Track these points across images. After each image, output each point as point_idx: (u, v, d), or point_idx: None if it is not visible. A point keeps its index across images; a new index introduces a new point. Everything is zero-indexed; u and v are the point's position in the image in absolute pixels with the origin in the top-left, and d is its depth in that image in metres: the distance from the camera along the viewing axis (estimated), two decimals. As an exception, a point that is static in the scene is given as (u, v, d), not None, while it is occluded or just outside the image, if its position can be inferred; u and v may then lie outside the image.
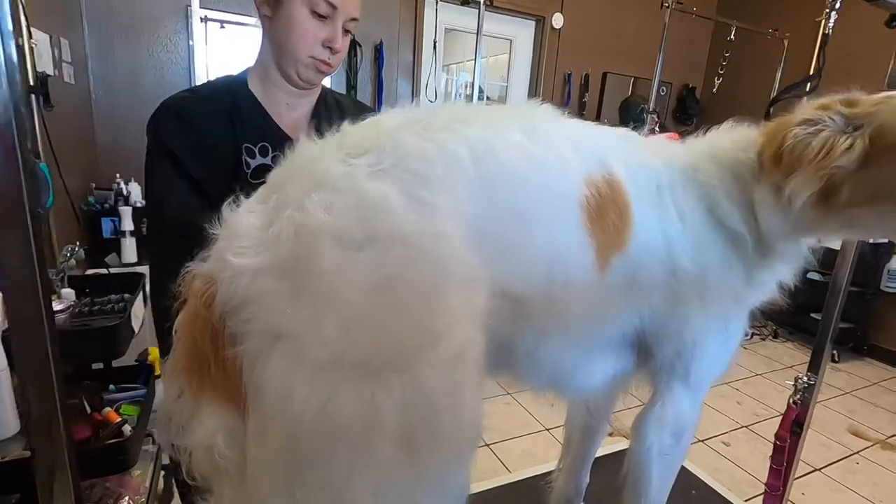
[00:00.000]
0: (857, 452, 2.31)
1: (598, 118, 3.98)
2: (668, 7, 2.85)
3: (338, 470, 0.40)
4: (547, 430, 2.28)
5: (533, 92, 3.78)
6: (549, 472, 1.08)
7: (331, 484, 0.40)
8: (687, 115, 4.28)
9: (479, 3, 2.34)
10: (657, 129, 3.13)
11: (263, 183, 0.73)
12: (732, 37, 3.32)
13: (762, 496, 1.12)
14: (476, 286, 0.47)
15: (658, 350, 0.71)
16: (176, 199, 0.81)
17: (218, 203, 0.51)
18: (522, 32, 3.68)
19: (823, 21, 0.86)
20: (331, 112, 0.96)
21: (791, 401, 1.05)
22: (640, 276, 0.65)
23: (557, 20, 3.64)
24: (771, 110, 0.72)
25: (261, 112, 0.88)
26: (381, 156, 0.47)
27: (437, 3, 3.10)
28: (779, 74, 3.48)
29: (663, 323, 0.69)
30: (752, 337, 3.53)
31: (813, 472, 2.13)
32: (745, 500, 1.14)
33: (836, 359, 3.28)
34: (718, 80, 3.59)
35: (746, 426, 2.44)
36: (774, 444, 1.08)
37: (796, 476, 2.07)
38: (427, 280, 0.44)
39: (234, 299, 0.41)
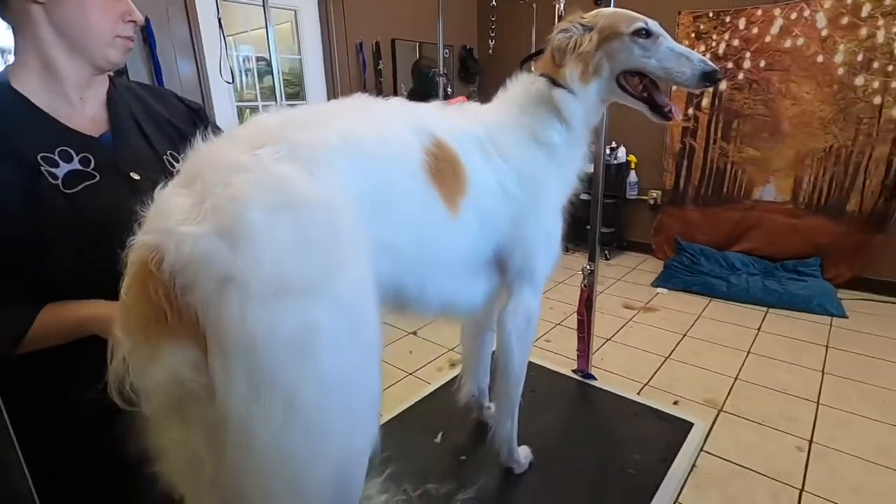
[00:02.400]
0: (631, 320, 3.12)
1: (395, 83, 4.20)
2: (437, -23, 3.13)
3: (291, 372, 0.52)
4: (410, 374, 2.54)
5: (328, 63, 3.79)
6: (455, 378, 1.30)
7: (287, 385, 0.52)
8: (470, 74, 4.79)
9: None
10: (449, 90, 3.49)
11: (86, 192, 0.74)
12: (494, 2, 3.82)
13: (577, 361, 1.52)
14: (360, 236, 0.62)
15: (510, 262, 0.94)
16: None
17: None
18: (306, 2, 3.62)
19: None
20: (125, 98, 0.89)
21: (582, 285, 1.44)
22: (484, 210, 0.87)
23: (338, -11, 3.66)
24: (523, 65, 1.00)
25: (41, 116, 0.76)
26: (277, 147, 0.60)
27: (205, -28, 2.85)
28: (533, 35, 4.14)
29: (511, 241, 0.92)
30: (551, 255, 4.31)
31: (605, 342, 2.83)
32: (570, 370, 1.51)
33: (608, 256, 4.24)
34: (491, 41, 4.12)
35: (559, 323, 3.06)
36: (578, 319, 1.47)
37: (594, 349, 2.71)
38: (328, 228, 0.58)
39: (181, 259, 0.50)
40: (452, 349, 2.72)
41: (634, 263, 4.15)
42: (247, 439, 0.52)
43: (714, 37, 3.62)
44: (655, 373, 2.50)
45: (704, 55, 3.59)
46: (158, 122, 0.92)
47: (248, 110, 3.60)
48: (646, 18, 0.91)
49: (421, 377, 2.49)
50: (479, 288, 0.96)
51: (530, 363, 1.52)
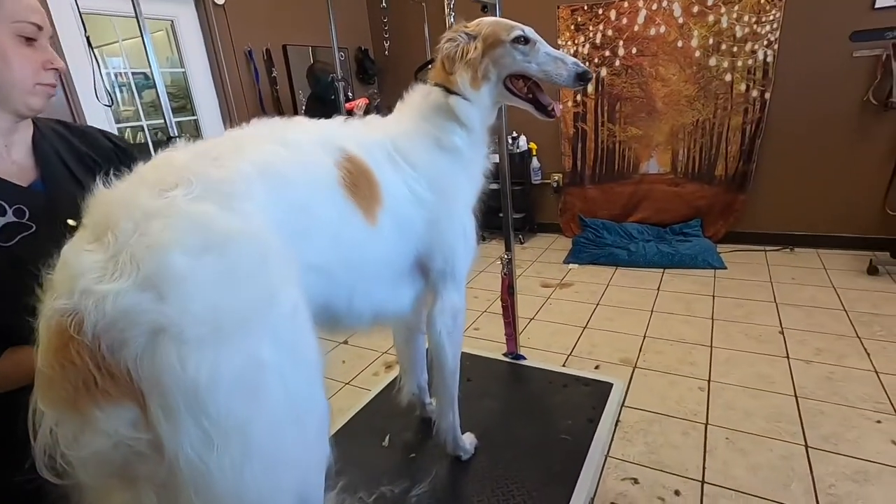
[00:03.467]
0: (549, 297, 3.34)
1: (291, 90, 4.08)
2: (323, -19, 3.08)
3: (241, 410, 0.53)
4: (347, 383, 2.53)
5: (216, 74, 3.59)
6: (393, 380, 1.33)
7: (238, 424, 0.53)
8: (368, 75, 4.77)
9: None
10: (349, 94, 3.47)
11: (24, 243, 0.70)
12: (384, 4, 3.84)
13: (506, 344, 1.63)
14: (288, 262, 0.64)
15: (432, 264, 1.00)
16: None
17: None
18: (184, 12, 3.39)
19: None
20: (51, 140, 0.88)
21: (502, 273, 1.54)
22: (401, 217, 0.91)
23: (218, -4, 3.48)
24: (417, 75, 1.06)
25: None
26: (190, 187, 0.59)
27: (61, -16, 2.57)
28: (427, 33, 4.21)
29: (430, 243, 0.97)
30: (470, 245, 4.46)
31: (530, 321, 3.01)
32: (501, 354, 1.61)
33: (522, 240, 4.47)
34: (386, 42, 4.13)
35: (486, 311, 3.20)
36: (502, 306, 1.58)
37: (521, 329, 2.87)
38: (256, 260, 0.59)
39: (105, 318, 0.49)
40: (386, 352, 2.75)
41: (546, 244, 4.42)
42: (205, 487, 0.52)
43: (591, 28, 3.93)
44: (576, 343, 2.72)
45: (584, 44, 3.87)
46: (86, 163, 0.90)
47: (128, 130, 3.31)
48: (523, 26, 1.00)
49: (359, 385, 2.49)
50: (405, 293, 1.01)
51: (464, 353, 1.60)
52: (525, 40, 1.00)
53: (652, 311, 3.00)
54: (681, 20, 3.63)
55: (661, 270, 3.58)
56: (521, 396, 1.44)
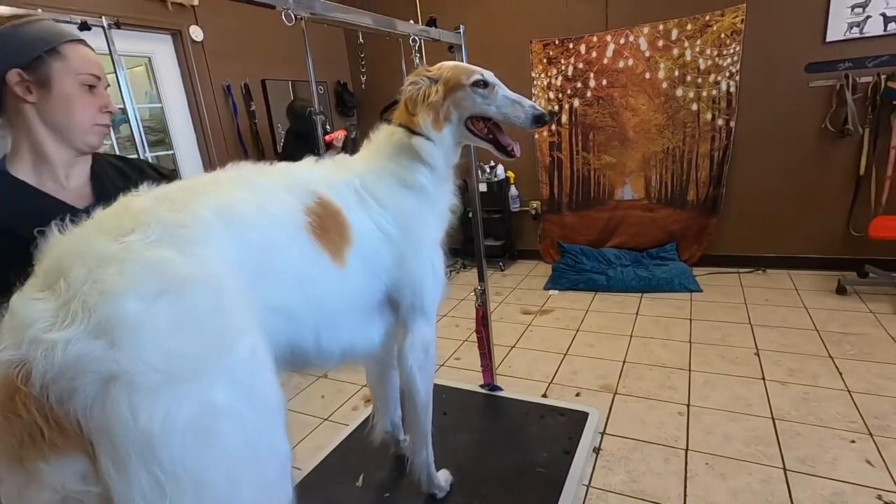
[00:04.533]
0: (530, 324, 3.34)
1: (270, 124, 4.11)
2: (301, 18, 3.15)
3: (194, 457, 0.52)
4: (326, 419, 2.47)
5: (193, 109, 3.61)
6: (367, 418, 1.30)
7: (193, 472, 0.51)
8: (347, 107, 4.84)
9: (104, 25, 2.12)
10: (328, 127, 3.51)
11: None
12: (362, 40, 3.94)
13: (482, 375, 1.62)
14: (247, 305, 0.64)
15: (402, 299, 1.00)
16: None
17: None
18: (161, 48, 3.42)
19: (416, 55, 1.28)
20: (106, 170, 1.01)
21: (476, 304, 1.55)
22: (370, 255, 0.92)
23: (196, 33, 3.52)
24: (382, 115, 1.10)
25: (35, 194, 0.89)
26: (148, 231, 0.59)
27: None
28: (403, 66, 4.32)
29: (399, 280, 0.98)
30: (449, 274, 4.48)
31: (510, 349, 3.00)
32: (479, 385, 1.60)
33: (503, 267, 4.50)
34: (363, 76, 4.22)
35: (466, 340, 3.19)
36: (477, 337, 1.58)
37: (502, 358, 2.86)
38: (212, 304, 0.59)
39: (54, 367, 0.48)
40: (365, 385, 2.70)
41: (527, 270, 4.45)
42: None
43: (563, 61, 4.07)
44: (557, 370, 2.71)
45: (557, 77, 4.00)
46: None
47: (106, 165, 3.28)
48: (483, 71, 1.05)
49: (338, 420, 2.44)
50: (375, 329, 1.01)
51: (440, 386, 1.60)
52: (484, 84, 1.04)
53: (631, 335, 3.02)
54: (647, 53, 3.79)
55: (640, 295, 3.62)
56: (497, 429, 1.43)
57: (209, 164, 3.69)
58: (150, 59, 3.40)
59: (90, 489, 0.50)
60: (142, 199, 0.68)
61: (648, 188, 4.07)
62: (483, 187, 4.36)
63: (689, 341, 2.87)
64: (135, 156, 3.17)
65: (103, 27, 2.12)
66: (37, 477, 0.48)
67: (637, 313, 3.33)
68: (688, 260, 3.98)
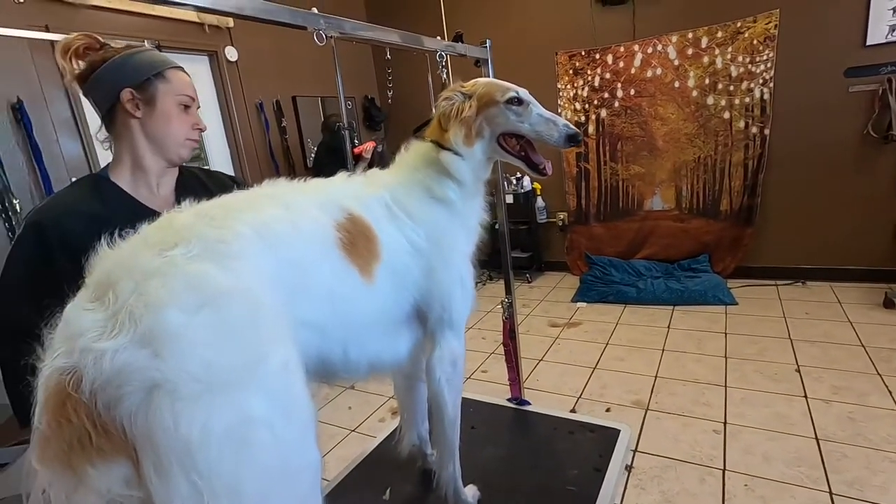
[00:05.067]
0: (557, 337, 3.30)
1: (301, 139, 4.22)
2: (331, 38, 3.24)
3: (231, 466, 0.53)
4: (353, 430, 2.48)
5: (228, 126, 3.74)
6: (395, 430, 1.30)
7: (228, 480, 0.53)
8: (375, 122, 4.93)
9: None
10: (356, 142, 3.58)
11: None
12: (389, 56, 4.02)
13: (510, 389, 1.60)
14: (281, 319, 0.65)
15: (430, 312, 1.01)
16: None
17: None
18: (199, 68, 3.57)
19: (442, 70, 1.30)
20: (189, 181, 1.15)
21: (503, 317, 1.53)
22: (399, 269, 0.93)
23: (231, 53, 3.67)
24: (416, 132, 1.11)
25: (131, 202, 1.03)
26: (189, 246, 0.62)
27: (84, 48, 2.73)
28: (430, 80, 4.37)
29: (428, 293, 0.99)
30: (476, 286, 4.45)
31: (538, 363, 2.96)
32: (506, 399, 1.59)
33: (529, 279, 4.46)
34: (390, 91, 4.30)
35: (493, 353, 3.16)
36: (504, 350, 1.56)
37: (529, 371, 2.82)
38: (248, 318, 0.61)
39: (102, 375, 0.50)
40: (392, 397, 2.70)
41: (554, 282, 4.40)
42: None
43: (589, 72, 4.05)
44: (586, 384, 2.66)
45: (583, 87, 3.98)
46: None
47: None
48: (518, 88, 1.05)
49: (365, 432, 2.45)
50: (403, 342, 1.01)
51: (467, 400, 1.59)
52: (519, 101, 1.04)
53: (663, 349, 2.94)
54: (676, 62, 3.73)
55: (671, 307, 3.53)
56: (525, 444, 1.41)
57: (242, 176, 3.80)
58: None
59: (133, 494, 0.52)
60: (184, 214, 0.71)
61: (679, 198, 3.98)
62: (510, 199, 4.35)
63: (725, 356, 2.77)
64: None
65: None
66: (84, 481, 0.50)
67: (669, 326, 3.24)
68: (721, 272, 3.86)
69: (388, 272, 0.91)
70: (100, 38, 1.01)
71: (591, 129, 4.15)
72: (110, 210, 0.95)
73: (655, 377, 2.64)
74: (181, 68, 1.08)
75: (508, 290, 1.54)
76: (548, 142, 1.03)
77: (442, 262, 1.00)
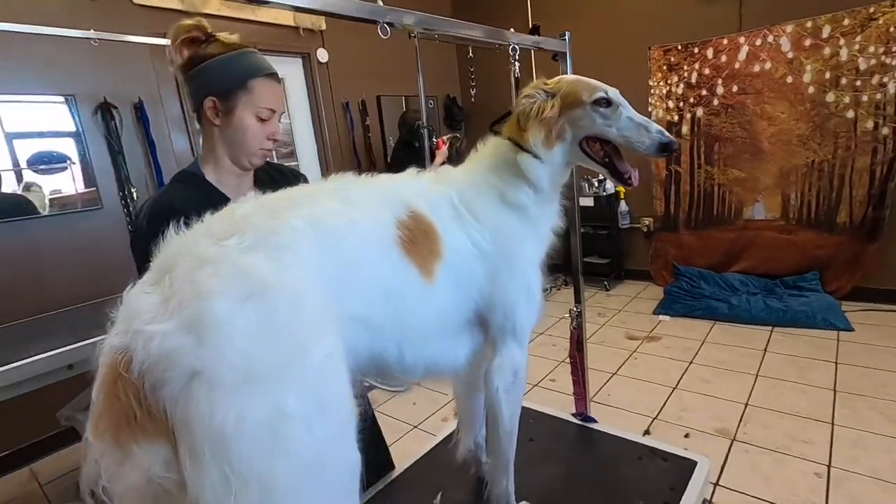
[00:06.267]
0: (635, 351, 3.09)
1: (383, 137, 4.34)
2: (415, 36, 3.29)
3: (263, 459, 0.53)
4: (415, 427, 2.50)
5: (316, 124, 3.93)
6: (452, 432, 1.28)
7: (259, 473, 0.53)
8: (455, 121, 4.94)
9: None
10: (434, 140, 3.60)
11: None
12: (472, 54, 4.00)
13: (574, 404, 1.51)
14: (327, 313, 0.64)
15: (492, 319, 0.96)
16: None
17: None
18: (292, 70, 3.80)
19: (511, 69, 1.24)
20: (265, 178, 1.21)
21: (571, 328, 1.45)
22: (461, 271, 0.89)
23: (322, 55, 3.85)
24: (493, 127, 1.05)
25: (217, 192, 1.11)
26: (243, 237, 0.63)
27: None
28: (512, 79, 4.29)
29: (490, 298, 0.94)
30: (549, 290, 4.32)
31: (611, 376, 2.79)
32: (570, 413, 1.50)
33: (608, 287, 4.23)
34: (473, 90, 4.29)
35: (564, 361, 3.03)
36: (570, 362, 1.47)
37: (601, 385, 2.67)
38: (291, 311, 0.60)
39: (150, 357, 0.52)
40: (457, 397, 2.69)
41: (635, 292, 4.14)
42: None
43: (685, 67, 3.75)
44: (664, 405, 2.46)
45: (678, 84, 3.70)
46: None
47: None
48: (607, 87, 0.96)
49: (426, 429, 2.45)
50: (461, 347, 0.97)
51: (528, 410, 1.52)
52: (607, 103, 0.96)
53: (757, 374, 2.64)
54: (790, 55, 3.34)
55: (769, 328, 3.17)
56: (587, 465, 1.31)
57: (326, 173, 3.99)
58: (283, 80, 3.77)
59: (171, 476, 0.53)
60: (245, 206, 0.72)
61: (786, 207, 3.56)
62: (589, 202, 4.17)
63: (833, 389, 2.43)
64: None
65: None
66: (130, 457, 0.53)
67: (765, 349, 2.91)
68: (835, 292, 3.39)
69: (449, 273, 0.87)
70: (207, 29, 1.07)
71: (684, 129, 3.85)
72: (196, 202, 1.02)
73: (746, 405, 2.38)
74: (272, 75, 1.10)
75: (578, 299, 1.45)
76: (637, 149, 0.94)
77: (507, 268, 0.95)
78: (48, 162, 2.64)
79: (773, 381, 2.56)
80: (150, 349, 0.52)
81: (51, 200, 2.65)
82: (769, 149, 3.55)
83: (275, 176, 1.25)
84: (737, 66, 3.54)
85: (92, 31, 2.04)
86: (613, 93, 0.96)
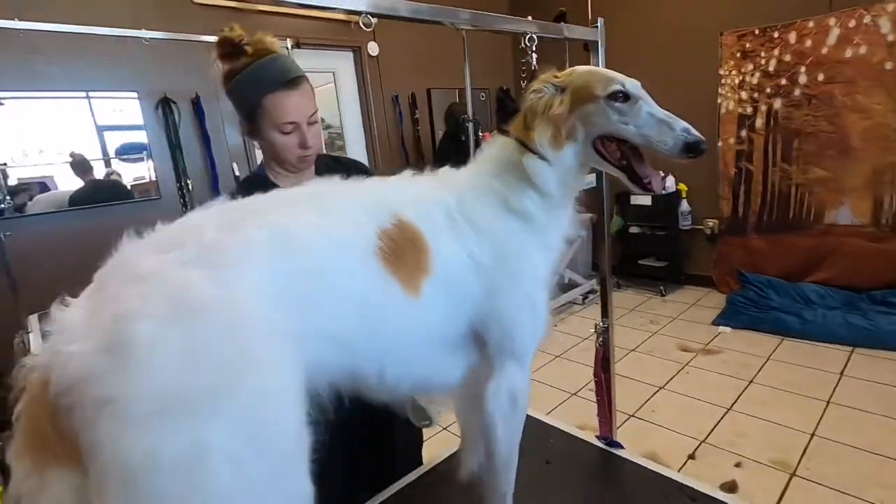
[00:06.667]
0: (687, 364, 2.85)
1: (432, 130, 4.29)
2: (462, 30, 3.20)
3: (176, 497, 0.49)
4: (444, 429, 2.44)
5: (365, 117, 3.95)
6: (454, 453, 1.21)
7: None
8: (507, 113, 4.79)
9: (287, 46, 2.42)
10: (480, 134, 3.51)
11: None
12: (523, 45, 3.84)
13: (598, 426, 1.38)
14: (277, 334, 0.59)
15: (489, 336, 0.88)
16: None
17: None
18: (343, 63, 3.83)
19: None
20: (325, 169, 1.18)
21: (596, 344, 1.32)
22: (453, 285, 0.82)
23: (373, 48, 3.85)
24: (500, 126, 0.95)
25: None
26: (185, 250, 0.58)
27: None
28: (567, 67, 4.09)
29: (487, 314, 0.86)
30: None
31: (658, 390, 2.59)
32: (595, 436, 1.38)
33: (664, 292, 3.96)
34: (524, 81, 4.13)
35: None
36: (595, 381, 1.35)
37: (646, 399, 2.49)
38: (227, 334, 0.55)
39: (65, 380, 0.49)
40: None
41: (694, 299, 3.84)
42: None
43: (762, 54, 3.39)
44: (715, 427, 2.24)
45: (752, 73, 3.36)
46: None
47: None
48: (624, 79, 0.84)
49: (455, 431, 2.39)
50: (455, 365, 0.90)
51: (549, 427, 1.41)
52: (624, 97, 0.84)
53: (829, 401, 2.35)
54: (890, 37, 2.91)
55: (849, 349, 2.81)
56: (606, 497, 1.20)
57: (374, 166, 4.01)
58: (333, 73, 3.82)
59: None
60: (203, 213, 0.68)
61: (878, 212, 3.14)
62: (646, 200, 3.90)
63: (924, 425, 2.11)
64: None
65: (287, 48, 2.42)
66: (45, 482, 0.50)
67: (842, 373, 2.58)
68: (935, 311, 2.95)
69: (439, 287, 0.80)
70: (235, 40, 1.06)
71: (758, 122, 3.49)
72: None
73: (812, 435, 2.11)
74: (288, 84, 1.07)
75: (605, 313, 1.32)
76: (659, 150, 0.81)
77: (508, 283, 0.86)
78: (129, 152, 2.88)
79: (849, 411, 2.26)
80: (67, 371, 0.49)
81: (132, 187, 2.90)
82: (860, 145, 3.13)
83: (334, 167, 1.22)
84: (824, 51, 3.15)
85: (143, 30, 2.13)
86: (632, 85, 0.84)
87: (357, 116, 3.97)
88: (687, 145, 0.79)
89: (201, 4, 3.01)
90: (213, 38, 2.39)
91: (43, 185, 2.63)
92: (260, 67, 1.06)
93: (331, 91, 3.86)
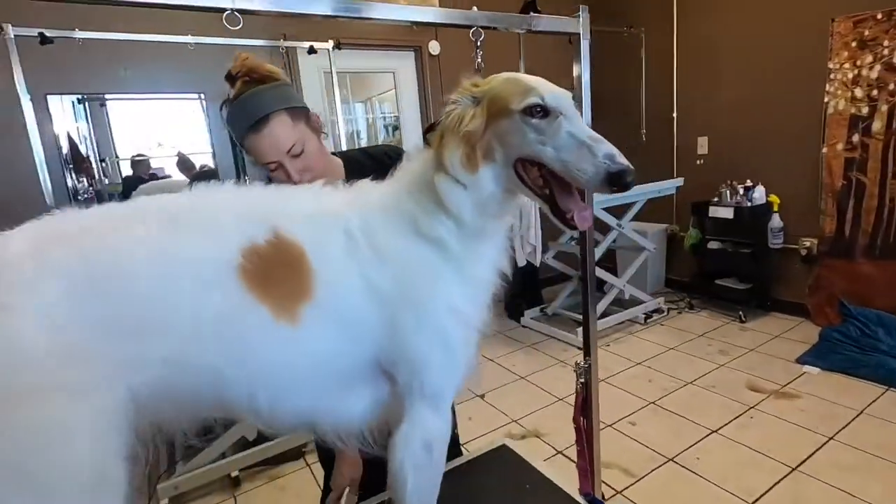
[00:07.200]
0: (753, 407, 2.45)
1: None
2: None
3: None
4: (462, 445, 2.33)
5: (424, 116, 3.92)
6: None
7: None
8: (578, 113, 4.51)
9: (328, 48, 2.44)
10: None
11: None
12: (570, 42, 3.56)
13: (578, 479, 1.19)
14: (68, 368, 0.54)
15: (397, 375, 0.77)
16: None
17: None
18: (404, 63, 3.83)
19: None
20: (352, 163, 1.21)
21: (577, 386, 1.14)
22: (346, 314, 0.73)
23: (434, 47, 3.80)
24: (426, 136, 0.82)
25: None
26: None
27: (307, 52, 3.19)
28: (643, 65, 3.74)
29: (392, 349, 0.76)
30: (668, 312, 3.69)
31: (709, 434, 2.24)
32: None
33: (743, 319, 3.46)
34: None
35: (654, 402, 2.55)
36: (574, 427, 1.16)
37: (694, 441, 2.17)
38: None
39: None
40: (516, 420, 2.44)
41: (779, 329, 3.30)
42: None
43: (885, 43, 2.80)
44: (771, 488, 1.88)
45: (871, 66, 2.85)
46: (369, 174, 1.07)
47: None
48: (547, 90, 0.68)
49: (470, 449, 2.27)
50: (358, 399, 0.80)
51: (531, 469, 1.25)
52: (543, 111, 0.68)
53: (935, 476, 1.87)
54: None
55: (979, 412, 2.23)
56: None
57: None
58: (393, 73, 3.83)
59: None
60: (33, 228, 0.62)
61: None
62: (728, 213, 3.43)
63: None
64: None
65: (328, 50, 2.44)
66: None
67: (962, 442, 2.05)
68: None
69: (323, 315, 0.71)
70: (232, 73, 1.04)
71: (876, 125, 2.90)
72: None
73: (901, 518, 1.69)
74: (255, 126, 1.00)
75: (587, 351, 1.13)
76: (578, 178, 0.65)
77: (413, 316, 0.74)
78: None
79: (961, 493, 1.78)
80: None
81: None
82: None
83: (363, 162, 1.22)
84: (972, 36, 2.52)
85: (189, 35, 2.26)
86: (553, 97, 0.68)
87: (415, 115, 3.95)
88: (610, 175, 0.62)
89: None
90: (252, 42, 2.48)
91: (153, 176, 3.04)
92: (235, 108, 1.03)
93: (391, 97, 3.89)
